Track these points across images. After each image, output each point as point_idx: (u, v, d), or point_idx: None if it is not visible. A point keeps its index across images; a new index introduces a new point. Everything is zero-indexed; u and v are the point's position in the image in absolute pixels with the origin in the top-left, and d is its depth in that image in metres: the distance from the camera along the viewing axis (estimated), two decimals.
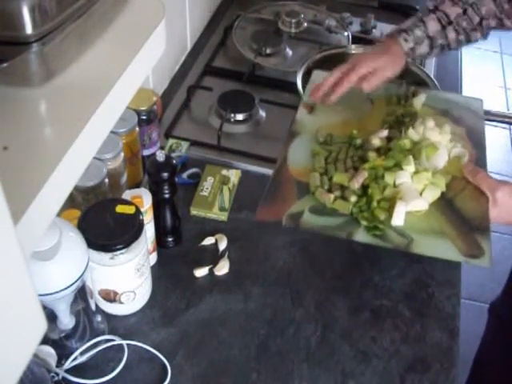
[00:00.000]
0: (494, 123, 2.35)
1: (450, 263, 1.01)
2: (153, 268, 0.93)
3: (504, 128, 2.88)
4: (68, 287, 0.71)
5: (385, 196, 0.92)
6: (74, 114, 0.41)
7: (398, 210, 0.90)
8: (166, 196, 0.93)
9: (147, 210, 0.88)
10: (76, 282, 0.72)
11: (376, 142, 1.01)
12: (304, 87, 1.22)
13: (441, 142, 1.01)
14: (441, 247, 0.89)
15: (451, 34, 1.08)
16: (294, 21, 1.49)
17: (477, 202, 0.93)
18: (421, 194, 0.93)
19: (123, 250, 0.80)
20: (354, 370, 0.86)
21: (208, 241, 1.01)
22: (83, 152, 0.41)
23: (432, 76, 1.32)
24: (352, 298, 0.95)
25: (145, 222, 0.84)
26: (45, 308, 0.74)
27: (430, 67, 1.43)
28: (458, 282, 0.99)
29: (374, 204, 0.91)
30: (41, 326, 0.36)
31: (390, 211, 0.91)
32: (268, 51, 1.43)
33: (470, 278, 2.15)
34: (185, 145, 1.13)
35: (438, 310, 0.94)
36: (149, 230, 0.90)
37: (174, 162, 0.93)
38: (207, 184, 1.07)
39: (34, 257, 0.67)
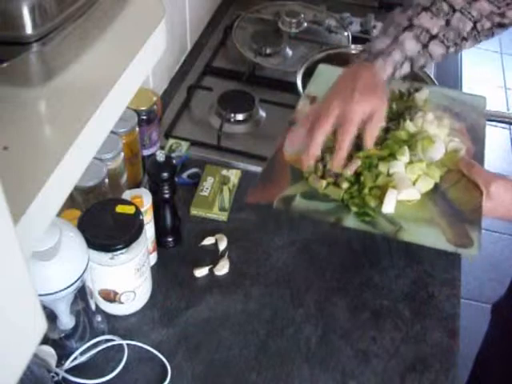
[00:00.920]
0: (494, 123, 2.35)
1: (450, 263, 1.01)
2: (153, 268, 0.93)
3: (504, 128, 2.88)
4: (68, 287, 0.71)
5: (377, 184, 0.93)
6: (73, 114, 0.41)
7: (389, 198, 0.91)
8: (166, 196, 0.93)
9: (147, 210, 0.88)
10: (76, 282, 0.72)
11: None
12: (304, 87, 1.22)
13: (438, 135, 1.01)
14: (429, 235, 0.89)
15: (437, 50, 0.96)
16: (294, 21, 1.49)
17: (470, 194, 0.94)
18: (414, 184, 0.94)
19: (123, 250, 0.80)
20: (354, 370, 0.86)
21: (208, 241, 1.01)
22: (83, 152, 0.41)
23: (432, 76, 1.32)
24: (352, 297, 0.95)
25: (145, 221, 0.84)
26: (45, 308, 0.74)
27: (430, 67, 1.43)
28: (458, 282, 0.99)
29: (366, 191, 0.92)
30: (41, 326, 0.36)
31: (381, 199, 0.91)
32: (268, 51, 1.43)
33: (470, 278, 2.15)
34: (185, 145, 1.13)
35: (438, 310, 0.94)
36: (149, 230, 0.90)
37: (174, 161, 0.94)
38: (207, 184, 1.07)
39: (34, 257, 0.67)
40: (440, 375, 0.86)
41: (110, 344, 0.85)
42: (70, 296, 0.75)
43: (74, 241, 0.73)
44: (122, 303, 0.87)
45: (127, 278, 0.84)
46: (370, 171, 0.94)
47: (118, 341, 0.85)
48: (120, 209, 0.81)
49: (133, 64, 0.47)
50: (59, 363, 0.79)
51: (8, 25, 0.38)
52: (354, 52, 1.35)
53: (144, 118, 1.05)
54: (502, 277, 1.31)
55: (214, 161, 1.14)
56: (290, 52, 1.46)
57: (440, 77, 1.36)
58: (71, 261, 0.72)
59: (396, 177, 0.94)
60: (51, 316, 0.77)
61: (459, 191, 0.95)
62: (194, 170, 1.11)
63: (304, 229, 1.04)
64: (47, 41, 0.40)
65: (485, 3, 0.95)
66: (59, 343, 0.80)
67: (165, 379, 0.82)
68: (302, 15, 1.50)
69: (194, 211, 1.04)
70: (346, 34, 1.48)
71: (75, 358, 0.81)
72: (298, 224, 1.05)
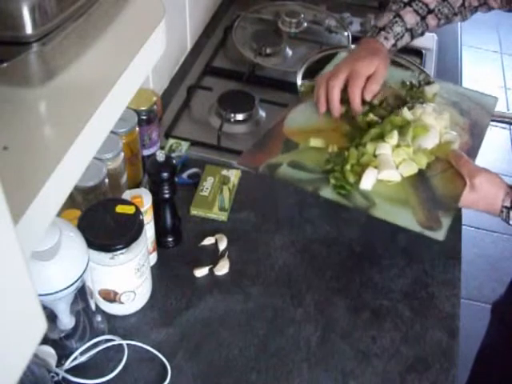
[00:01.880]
0: (494, 123, 2.35)
1: (450, 263, 1.01)
2: (153, 268, 0.93)
3: (504, 128, 2.88)
4: (68, 287, 0.71)
5: (360, 162, 0.96)
6: (74, 114, 0.41)
7: (368, 175, 0.93)
8: (166, 196, 0.93)
9: (147, 210, 0.88)
10: (76, 282, 0.72)
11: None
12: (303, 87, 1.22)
13: (434, 127, 1.02)
14: (399, 214, 0.91)
15: (432, 22, 1.10)
16: (294, 21, 1.49)
17: (453, 184, 0.95)
18: (397, 167, 0.96)
19: (123, 250, 0.80)
20: (354, 370, 0.86)
21: (208, 241, 1.01)
22: (83, 152, 0.41)
23: (432, 76, 1.32)
24: (352, 298, 0.95)
25: (145, 221, 0.84)
26: (45, 308, 0.74)
27: (430, 67, 1.44)
28: (458, 282, 0.99)
29: (348, 167, 0.94)
30: (41, 325, 0.36)
31: (360, 176, 0.94)
32: (268, 51, 1.43)
33: (470, 278, 2.15)
34: (185, 145, 1.13)
35: (438, 310, 0.94)
36: (149, 230, 0.90)
37: (174, 161, 0.93)
38: (207, 184, 1.07)
39: (34, 257, 0.67)
40: (440, 375, 0.86)
41: (109, 344, 0.85)
42: (70, 296, 0.75)
43: (74, 241, 0.73)
44: (122, 303, 0.87)
45: (127, 278, 0.84)
46: (356, 149, 0.97)
47: (117, 341, 0.85)
48: (120, 209, 0.81)
49: (133, 64, 0.47)
50: (59, 363, 0.79)
51: (8, 25, 0.38)
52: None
53: (144, 118, 1.05)
54: (502, 277, 1.31)
55: (214, 161, 1.14)
56: (289, 52, 1.46)
57: (440, 77, 1.36)
58: (71, 261, 0.72)
59: (380, 158, 0.96)
60: (51, 316, 0.77)
61: (443, 180, 0.96)
62: (193, 169, 1.11)
63: (304, 229, 1.04)
64: (47, 41, 0.40)
65: None
66: (59, 343, 0.80)
67: (165, 379, 0.82)
68: (302, 15, 1.50)
69: (193, 211, 1.04)
70: (345, 33, 1.48)
71: (75, 358, 0.81)
72: (298, 224, 1.05)
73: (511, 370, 1.23)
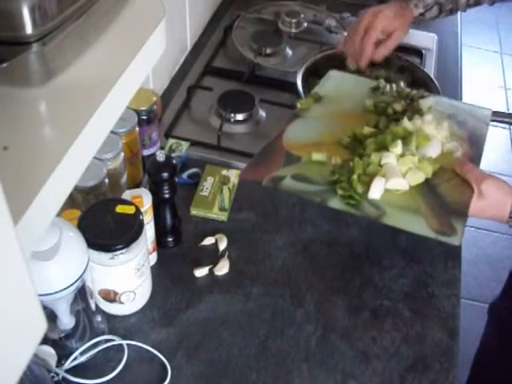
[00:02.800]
0: (494, 123, 2.35)
1: (450, 263, 1.01)
2: (153, 268, 0.93)
3: (504, 128, 2.88)
4: (68, 287, 0.71)
5: (367, 172, 0.95)
6: (74, 114, 0.41)
7: (376, 184, 0.92)
8: (166, 196, 0.93)
9: (147, 210, 0.88)
10: (76, 282, 0.72)
11: (398, 106, 1.10)
12: (304, 87, 1.22)
13: (435, 136, 1.02)
14: (412, 221, 0.90)
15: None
16: (294, 21, 1.49)
17: (461, 191, 0.94)
18: (404, 176, 0.95)
19: (123, 250, 0.80)
20: (354, 369, 0.86)
21: (208, 241, 1.01)
22: (83, 152, 0.41)
23: (432, 76, 1.32)
24: (352, 297, 0.95)
25: (145, 221, 0.84)
26: (45, 308, 0.74)
27: (430, 67, 1.44)
28: (458, 282, 0.99)
29: (355, 177, 0.93)
30: (41, 325, 0.36)
31: (368, 186, 0.93)
32: (268, 51, 1.43)
33: (470, 278, 2.15)
34: (185, 145, 1.13)
35: (438, 310, 0.94)
36: (149, 230, 0.90)
37: (174, 161, 0.93)
38: (207, 184, 1.07)
39: (34, 257, 0.67)
40: (440, 375, 0.86)
41: (110, 344, 0.84)
42: (70, 296, 0.75)
43: (74, 241, 0.73)
44: (122, 303, 0.87)
45: (127, 278, 0.84)
46: (361, 159, 0.96)
47: (118, 341, 0.85)
48: (120, 209, 0.81)
49: (133, 64, 0.47)
50: (59, 363, 0.79)
51: (8, 25, 0.38)
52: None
53: (144, 117, 1.05)
54: (502, 277, 1.31)
55: (214, 161, 1.14)
56: (290, 52, 1.46)
57: (440, 77, 1.36)
58: (71, 261, 0.72)
59: (386, 167, 0.95)
60: (51, 316, 0.77)
61: (450, 188, 0.95)
62: (193, 169, 1.11)
63: (304, 229, 1.04)
64: (47, 41, 0.40)
65: None
66: (59, 343, 0.80)
67: (165, 379, 0.82)
68: (302, 15, 1.50)
69: (194, 211, 1.04)
70: (345, 34, 1.47)
71: (75, 358, 0.81)
72: (298, 224, 1.05)
73: (510, 370, 1.23)
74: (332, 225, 1.05)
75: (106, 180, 0.92)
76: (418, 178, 0.95)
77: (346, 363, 0.86)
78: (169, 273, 0.96)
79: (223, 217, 1.04)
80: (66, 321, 0.79)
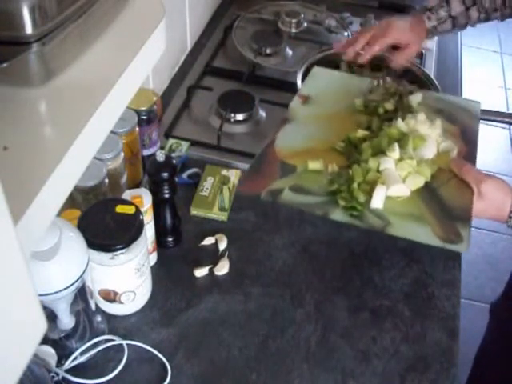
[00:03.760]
0: (494, 123, 2.35)
1: (450, 263, 1.01)
2: (153, 268, 0.93)
3: (504, 128, 2.88)
4: (68, 287, 0.71)
5: (366, 179, 0.94)
6: (73, 114, 0.41)
7: (378, 193, 0.91)
8: (166, 196, 0.93)
9: (147, 210, 0.88)
10: (76, 282, 0.72)
11: (389, 106, 1.09)
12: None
13: (430, 135, 1.01)
14: (418, 230, 0.89)
15: (474, 14, 1.17)
16: (294, 21, 1.49)
17: (461, 193, 0.94)
18: (403, 181, 0.94)
19: (123, 250, 0.80)
20: (354, 369, 0.86)
21: (208, 241, 1.01)
22: (83, 152, 0.41)
23: (432, 76, 1.32)
24: (352, 298, 0.95)
25: (145, 221, 0.84)
26: (45, 308, 0.74)
27: (430, 67, 1.44)
28: (458, 282, 0.99)
29: (355, 186, 0.92)
30: (41, 325, 0.36)
31: (370, 194, 0.92)
32: (268, 51, 1.43)
33: (470, 278, 2.15)
34: (185, 145, 1.13)
35: (438, 310, 0.94)
36: (149, 230, 0.90)
37: (174, 161, 0.93)
38: (207, 184, 1.07)
39: (34, 257, 0.67)
40: (440, 375, 0.86)
41: (109, 344, 0.84)
42: (70, 296, 0.75)
43: (74, 241, 0.73)
44: (122, 303, 0.87)
45: (127, 278, 0.84)
46: (359, 166, 0.95)
47: (117, 341, 0.85)
48: (120, 209, 0.81)
49: (133, 64, 0.47)
50: (59, 363, 0.79)
51: (8, 25, 0.38)
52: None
53: (144, 118, 1.05)
54: (502, 277, 1.31)
55: (213, 161, 1.14)
56: (290, 52, 1.46)
57: (440, 77, 1.36)
58: (71, 261, 0.72)
59: (386, 173, 0.94)
60: (51, 316, 0.77)
61: (450, 190, 0.95)
62: (193, 169, 1.11)
63: (304, 229, 1.04)
64: (47, 41, 0.40)
65: None
66: (59, 343, 0.80)
67: (165, 379, 0.82)
68: (302, 15, 1.50)
69: (194, 211, 1.04)
70: (346, 33, 1.48)
71: (75, 358, 0.81)
72: (298, 224, 1.05)
73: (510, 370, 1.23)
74: (332, 225, 1.05)
75: (106, 180, 0.92)
76: (418, 182, 0.94)
77: (346, 363, 0.86)
78: (169, 273, 0.96)
79: (223, 217, 1.04)
80: (66, 321, 0.79)
